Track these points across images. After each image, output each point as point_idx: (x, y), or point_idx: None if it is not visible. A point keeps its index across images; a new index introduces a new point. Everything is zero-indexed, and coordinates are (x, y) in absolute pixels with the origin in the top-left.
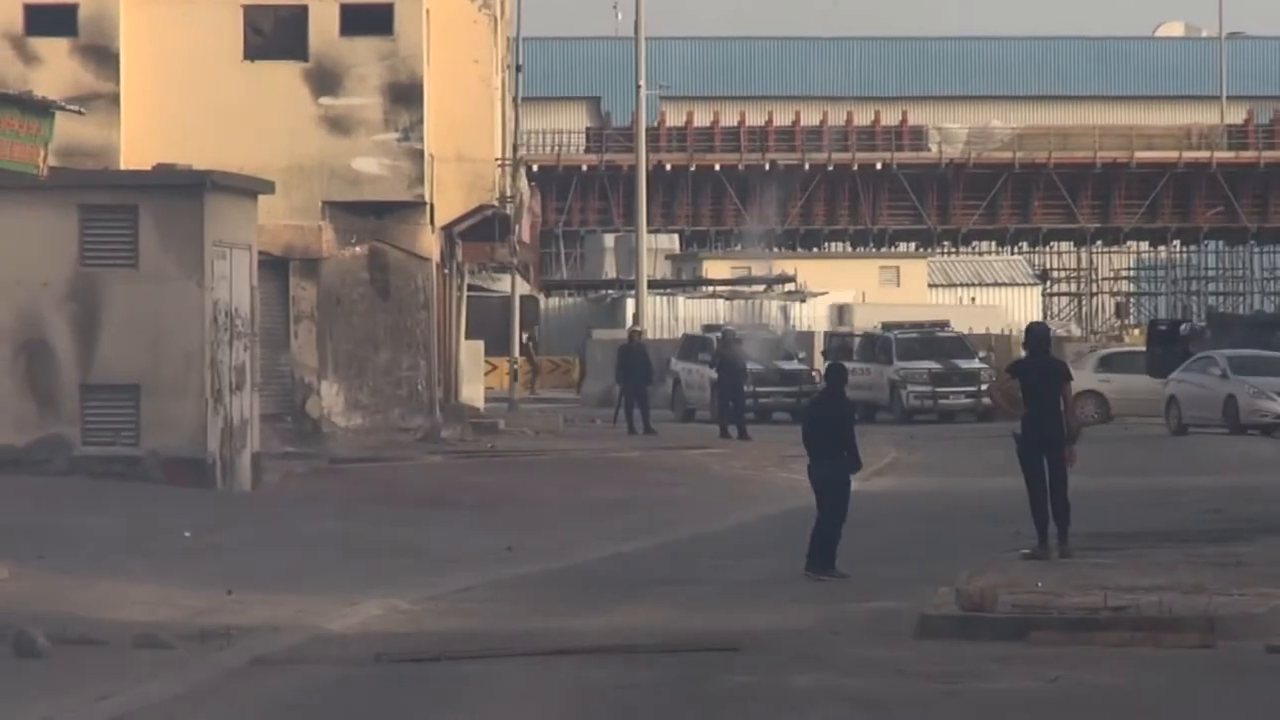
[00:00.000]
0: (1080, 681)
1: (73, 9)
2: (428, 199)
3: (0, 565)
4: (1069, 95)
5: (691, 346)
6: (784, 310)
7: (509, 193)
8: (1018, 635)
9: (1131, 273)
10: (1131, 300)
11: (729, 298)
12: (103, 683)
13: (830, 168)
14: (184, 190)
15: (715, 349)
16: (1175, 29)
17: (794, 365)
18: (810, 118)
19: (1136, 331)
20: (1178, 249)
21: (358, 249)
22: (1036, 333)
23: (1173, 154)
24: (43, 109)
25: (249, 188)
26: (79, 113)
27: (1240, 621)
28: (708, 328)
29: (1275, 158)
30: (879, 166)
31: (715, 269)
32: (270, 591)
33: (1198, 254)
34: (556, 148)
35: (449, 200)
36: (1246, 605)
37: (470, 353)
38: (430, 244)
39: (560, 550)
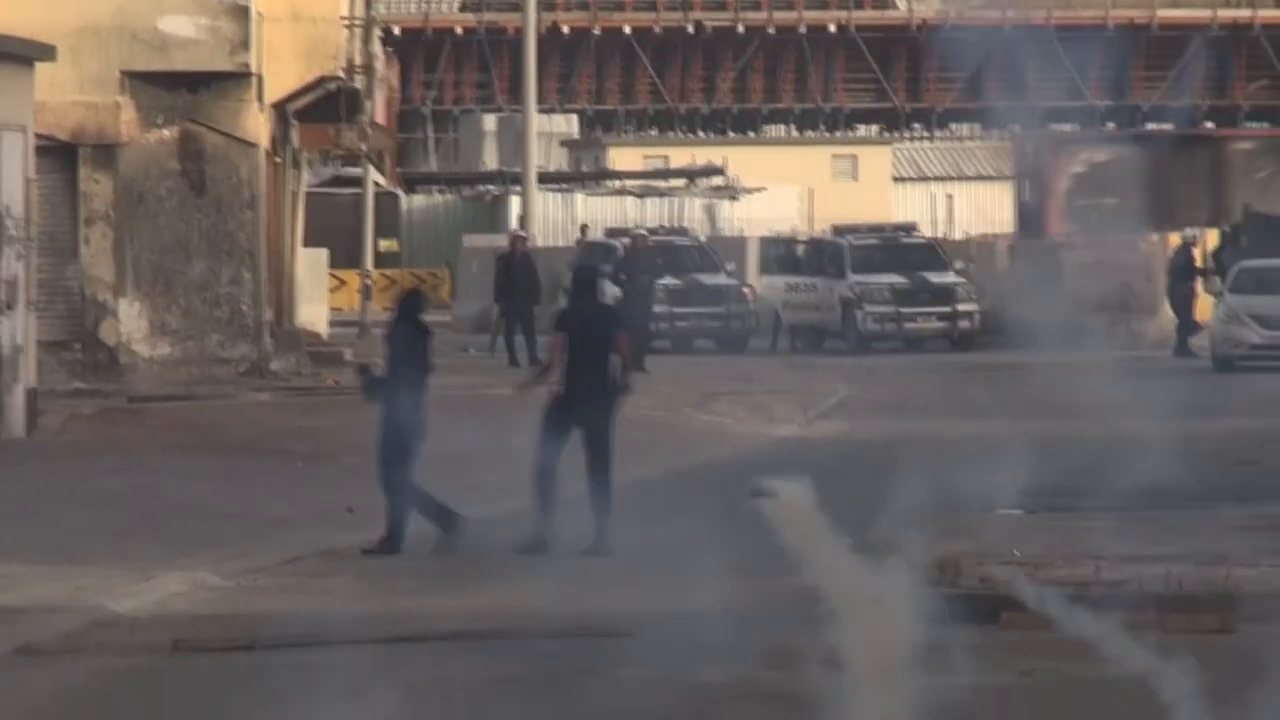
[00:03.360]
0: (1060, 675)
1: None
2: (254, 69)
3: None
4: None
5: (591, 257)
6: (710, 210)
7: (359, 61)
8: (986, 616)
9: None
10: None
11: (640, 195)
12: None
13: (771, 30)
14: None
15: (620, 259)
16: None
17: (721, 280)
18: None
19: (1154, 237)
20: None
21: (166, 132)
22: (583, 276)
23: (1205, 12)
24: None
25: (23, 53)
26: None
27: (1269, 600)
28: (612, 232)
29: None
30: (832, 29)
31: (624, 158)
32: (43, 563)
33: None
34: (423, 4)
35: (282, 71)
36: (1277, 580)
37: (310, 264)
38: (258, 126)
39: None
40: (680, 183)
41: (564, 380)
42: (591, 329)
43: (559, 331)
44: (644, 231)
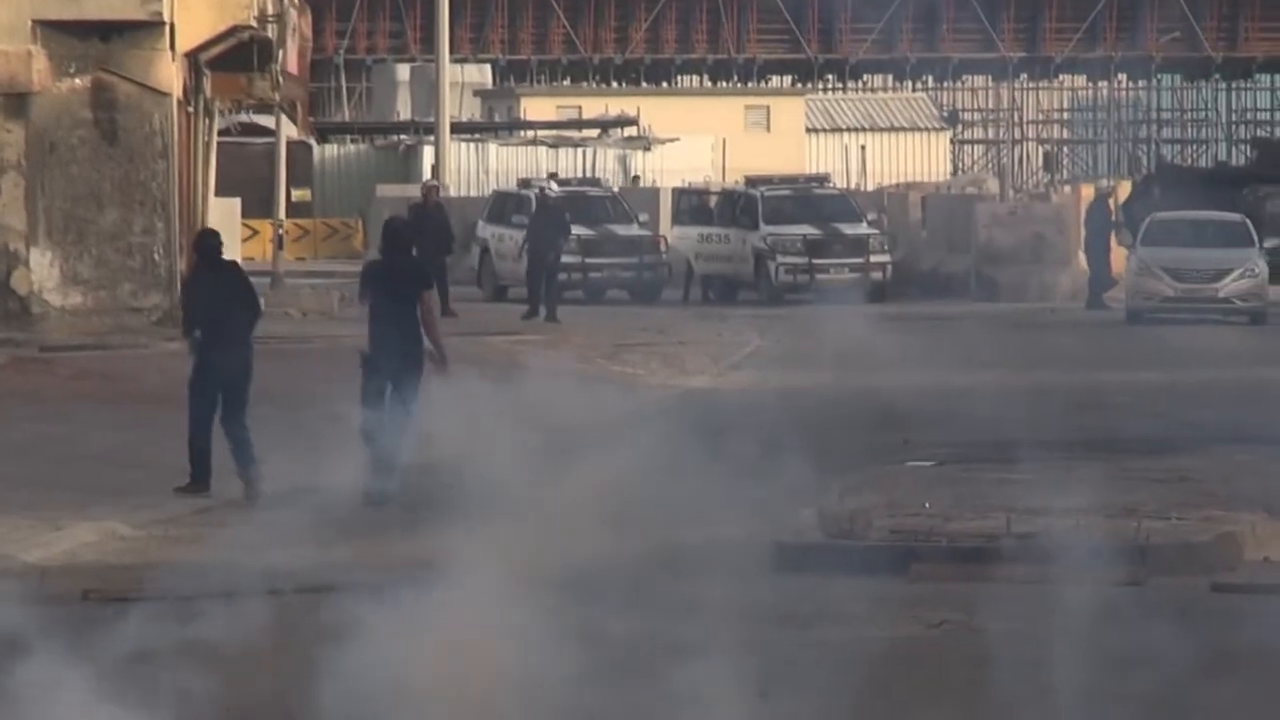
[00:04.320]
0: (971, 627)
1: None
2: (167, 18)
3: None
4: None
5: (503, 206)
6: (623, 160)
7: (271, 10)
8: (896, 568)
9: (1065, 115)
10: (1064, 149)
11: (554, 145)
12: None
13: None
14: None
15: (532, 210)
16: None
17: (634, 231)
18: None
19: (1067, 189)
20: (1123, 85)
21: (78, 81)
22: (392, 229)
23: None
24: None
25: None
26: None
27: (1178, 552)
28: (524, 182)
29: None
30: None
31: (537, 108)
32: None
33: (1148, 91)
34: None
35: (194, 20)
36: (1187, 532)
37: (223, 214)
38: (170, 75)
39: (327, 463)
40: (594, 133)
41: (371, 338)
42: (397, 284)
43: (364, 288)
44: (552, 184)
